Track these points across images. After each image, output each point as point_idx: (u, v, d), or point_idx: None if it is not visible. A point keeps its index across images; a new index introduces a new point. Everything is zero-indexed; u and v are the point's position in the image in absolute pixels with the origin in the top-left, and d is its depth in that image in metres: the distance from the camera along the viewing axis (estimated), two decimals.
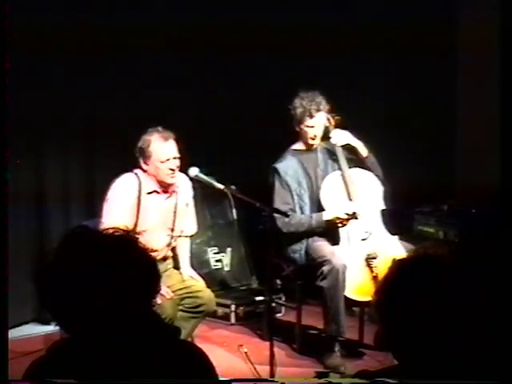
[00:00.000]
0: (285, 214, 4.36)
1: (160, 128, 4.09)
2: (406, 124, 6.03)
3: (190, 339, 4.06)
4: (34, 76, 4.95)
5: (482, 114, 5.71)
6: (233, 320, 5.28)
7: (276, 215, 4.35)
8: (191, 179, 4.27)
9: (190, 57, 5.58)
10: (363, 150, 4.67)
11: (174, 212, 4.23)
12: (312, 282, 4.44)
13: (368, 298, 4.26)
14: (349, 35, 5.69)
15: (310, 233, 4.59)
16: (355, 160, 4.69)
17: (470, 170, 5.88)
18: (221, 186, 4.08)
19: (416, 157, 5.99)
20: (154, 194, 4.14)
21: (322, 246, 4.51)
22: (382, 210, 4.64)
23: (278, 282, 5.23)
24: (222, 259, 5.73)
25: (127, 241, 1.80)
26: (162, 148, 4.05)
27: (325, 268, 4.34)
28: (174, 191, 4.20)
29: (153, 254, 3.97)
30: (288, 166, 4.68)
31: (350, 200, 4.56)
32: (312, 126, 4.60)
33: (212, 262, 5.68)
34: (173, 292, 4.07)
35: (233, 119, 5.70)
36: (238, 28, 5.38)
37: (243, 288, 5.68)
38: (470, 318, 1.63)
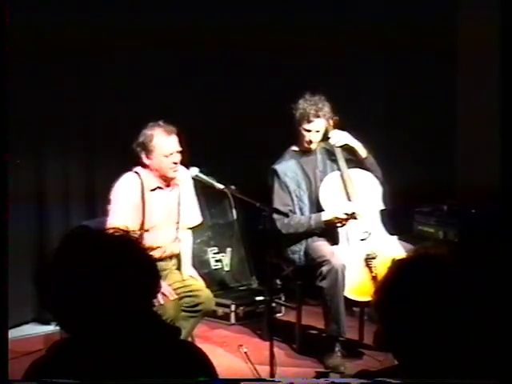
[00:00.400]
0: (285, 215, 4.37)
1: (161, 122, 4.09)
2: (406, 124, 6.03)
3: (189, 339, 4.06)
4: (34, 76, 4.95)
5: (481, 114, 5.71)
6: (233, 320, 5.28)
7: (275, 216, 4.35)
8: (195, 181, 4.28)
9: (190, 57, 5.58)
10: (362, 151, 4.67)
11: (178, 205, 4.23)
12: (312, 282, 4.44)
13: (367, 298, 4.26)
14: (349, 35, 5.68)
15: (310, 233, 4.59)
16: (354, 160, 4.69)
17: (469, 170, 5.88)
18: (221, 186, 4.08)
19: (416, 157, 5.99)
20: (158, 190, 4.15)
21: (321, 246, 4.51)
22: (382, 210, 4.64)
23: (278, 281, 5.22)
24: (221, 259, 5.73)
25: (127, 241, 1.80)
26: (165, 142, 4.05)
27: (324, 268, 4.34)
28: (175, 184, 4.21)
29: (160, 250, 4.03)
30: (287, 168, 4.68)
31: (349, 200, 4.56)
32: (309, 130, 4.59)
33: (212, 262, 5.68)
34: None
35: (233, 119, 5.70)
36: (238, 28, 5.38)
37: (243, 288, 5.68)
38: (470, 317, 1.63)
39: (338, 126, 4.71)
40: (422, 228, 5.38)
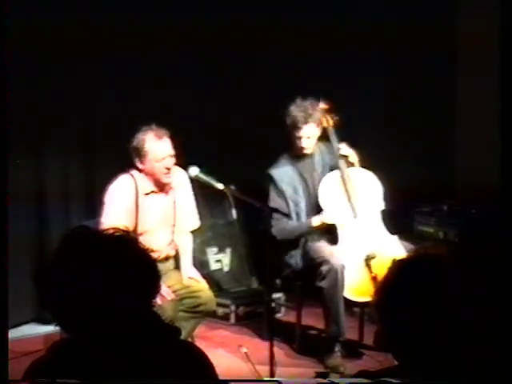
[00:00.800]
0: (285, 215, 4.36)
1: (154, 126, 4.07)
2: (406, 124, 6.03)
3: (189, 339, 4.06)
4: (34, 76, 4.95)
5: (481, 114, 5.71)
6: (233, 320, 5.27)
7: (272, 222, 4.34)
8: (193, 182, 4.27)
9: (190, 57, 5.58)
10: (354, 159, 4.66)
11: (174, 209, 4.22)
12: (312, 282, 4.44)
13: (367, 299, 4.26)
14: (349, 35, 5.68)
15: (309, 234, 4.60)
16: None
17: (470, 170, 5.87)
18: (221, 186, 4.07)
19: (416, 157, 5.99)
20: (152, 194, 4.13)
21: (321, 246, 4.51)
22: (382, 210, 4.64)
23: (278, 282, 5.22)
24: (221, 259, 5.73)
25: (127, 241, 1.80)
26: (157, 147, 4.03)
27: (323, 268, 4.34)
28: (171, 188, 4.19)
29: (155, 253, 4.01)
30: (283, 172, 4.66)
31: (349, 200, 4.55)
32: (299, 137, 4.58)
33: (212, 263, 5.68)
34: (173, 292, 4.06)
35: (233, 119, 5.69)
36: (239, 28, 5.37)
37: (243, 288, 5.68)
38: (469, 317, 1.63)
39: (338, 125, 4.71)
40: (422, 228, 5.38)
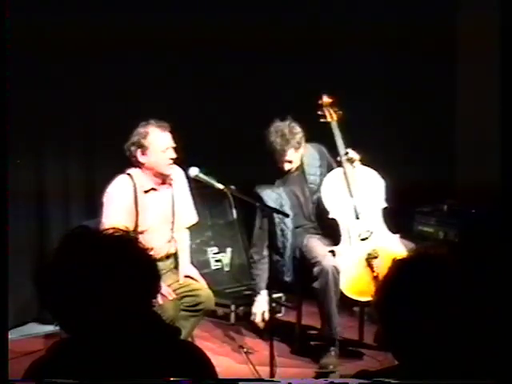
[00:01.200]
0: (285, 215, 4.36)
1: (152, 120, 4.09)
2: (406, 124, 6.03)
3: (189, 339, 4.06)
4: (34, 76, 4.95)
5: (481, 114, 5.71)
6: (233, 320, 5.27)
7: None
8: (190, 179, 4.26)
9: (190, 57, 5.58)
10: (356, 156, 4.64)
11: (173, 205, 4.22)
12: (307, 282, 4.45)
13: (368, 298, 4.25)
14: (349, 35, 5.68)
15: (308, 233, 4.62)
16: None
17: (469, 169, 5.88)
18: (221, 186, 4.07)
19: (416, 157, 5.99)
20: (151, 191, 4.14)
21: (315, 247, 4.51)
22: (384, 208, 4.62)
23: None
24: (221, 259, 5.73)
25: (127, 241, 1.80)
26: (160, 137, 4.06)
27: (315, 269, 4.35)
28: (170, 184, 4.20)
29: (156, 251, 4.01)
30: (270, 191, 4.59)
31: (351, 197, 4.53)
32: (281, 161, 4.54)
33: (212, 262, 5.68)
34: (172, 291, 4.06)
35: (233, 119, 5.70)
36: (239, 28, 5.37)
37: (243, 288, 5.67)
38: (469, 317, 1.63)
39: (342, 120, 4.68)
40: (422, 228, 5.38)
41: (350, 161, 4.57)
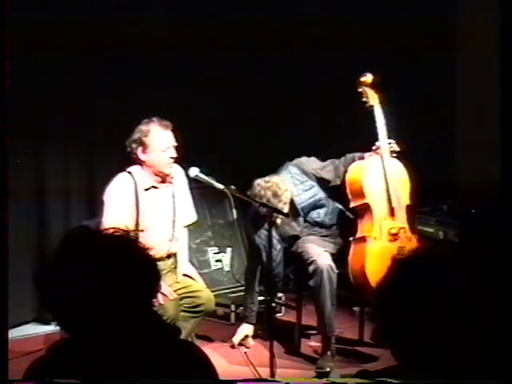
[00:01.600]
0: (285, 215, 4.36)
1: (155, 118, 4.08)
2: (406, 124, 6.02)
3: (189, 339, 4.06)
4: (34, 76, 4.95)
5: (481, 114, 5.71)
6: (233, 320, 5.27)
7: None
8: (190, 178, 4.26)
9: (191, 56, 5.58)
10: (396, 148, 4.62)
11: (173, 203, 4.22)
12: (305, 282, 4.48)
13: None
14: (349, 35, 5.68)
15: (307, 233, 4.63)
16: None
17: (469, 169, 5.88)
18: (221, 186, 4.07)
19: (416, 157, 5.97)
20: (152, 189, 4.13)
21: (310, 247, 4.53)
22: (407, 206, 4.59)
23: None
24: (221, 259, 5.73)
25: (127, 241, 1.80)
26: (162, 136, 4.05)
27: (311, 268, 4.38)
28: (170, 182, 4.20)
29: (157, 249, 4.01)
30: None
31: (388, 191, 4.46)
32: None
33: (212, 262, 5.68)
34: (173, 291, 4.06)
35: (233, 119, 5.70)
36: (239, 27, 5.38)
37: (243, 288, 5.67)
38: (470, 317, 1.63)
39: (379, 84, 4.46)
40: (422, 228, 5.38)
41: (392, 152, 4.52)
